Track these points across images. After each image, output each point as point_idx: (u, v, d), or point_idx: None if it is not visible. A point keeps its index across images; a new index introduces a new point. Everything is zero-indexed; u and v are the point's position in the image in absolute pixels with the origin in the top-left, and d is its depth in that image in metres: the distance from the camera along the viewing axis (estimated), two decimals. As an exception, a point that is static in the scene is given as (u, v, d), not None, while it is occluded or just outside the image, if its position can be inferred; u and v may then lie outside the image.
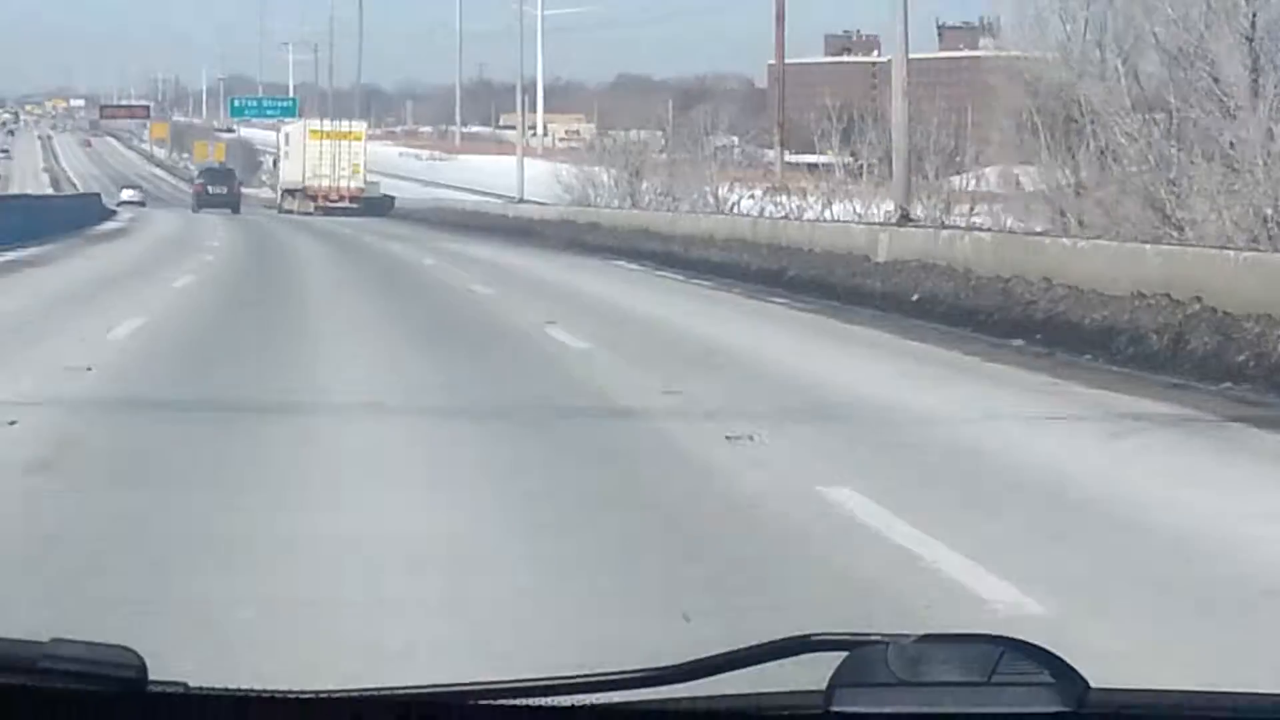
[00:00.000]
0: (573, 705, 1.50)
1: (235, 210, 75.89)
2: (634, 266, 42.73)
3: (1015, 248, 24.79)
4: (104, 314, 23.95)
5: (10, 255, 40.20)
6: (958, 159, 45.18)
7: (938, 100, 41.39)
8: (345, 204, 75.20)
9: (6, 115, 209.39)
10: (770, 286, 33.07)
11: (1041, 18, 38.37)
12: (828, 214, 47.47)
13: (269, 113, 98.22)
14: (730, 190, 59.36)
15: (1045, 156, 35.47)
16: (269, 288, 33.50)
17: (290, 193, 77.23)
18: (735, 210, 54.79)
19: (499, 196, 76.43)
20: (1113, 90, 31.61)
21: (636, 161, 61.62)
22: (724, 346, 21.19)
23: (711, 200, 56.90)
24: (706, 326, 24.58)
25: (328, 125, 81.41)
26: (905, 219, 29.29)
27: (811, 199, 52.95)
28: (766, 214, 49.60)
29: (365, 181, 78.46)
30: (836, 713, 1.39)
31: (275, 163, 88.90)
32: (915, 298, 25.56)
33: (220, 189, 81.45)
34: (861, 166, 55.53)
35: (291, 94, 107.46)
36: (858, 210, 46.60)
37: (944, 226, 30.88)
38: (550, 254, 48.38)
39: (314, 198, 74.72)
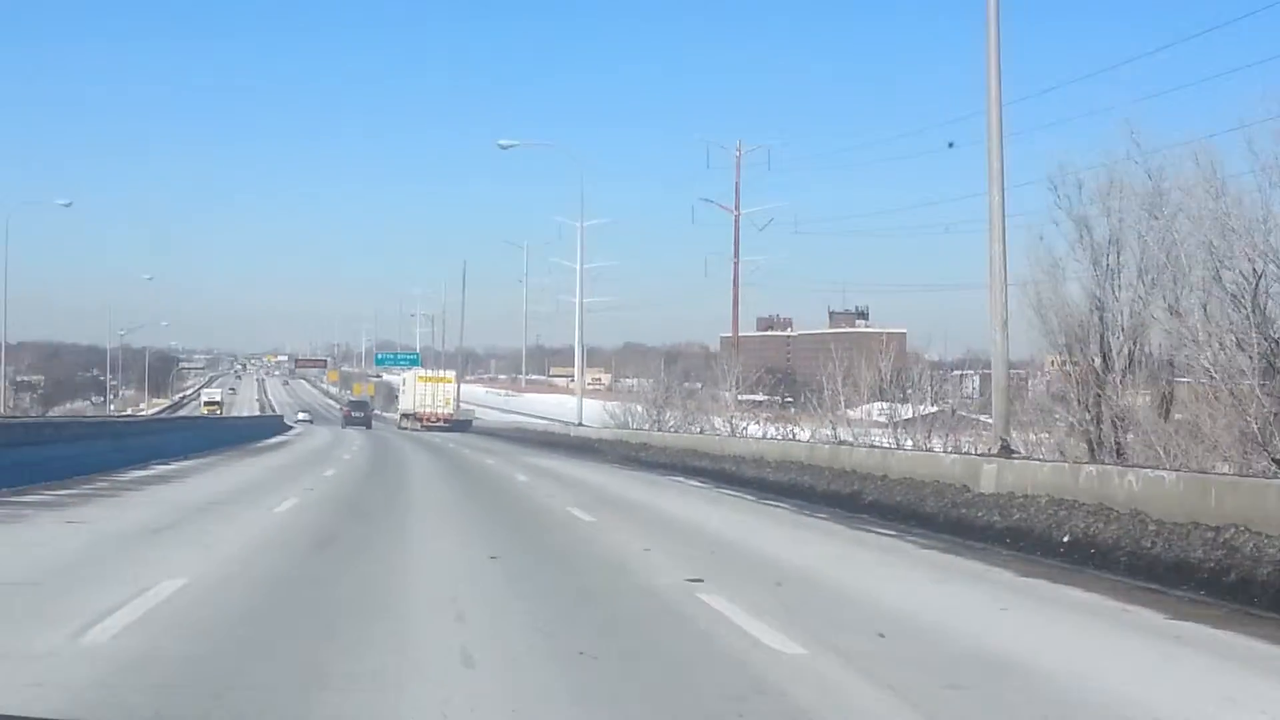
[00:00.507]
0: None
1: (368, 427, 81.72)
2: (694, 483, 31.09)
3: (1224, 489, 13.25)
4: (277, 492, 22.18)
5: (213, 456, 38.37)
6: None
7: (828, 359, 40.44)
8: (440, 423, 78.91)
9: (238, 365, 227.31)
10: (851, 513, 20.94)
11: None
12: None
13: (400, 363, 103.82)
14: (739, 419, 53.18)
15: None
16: (386, 474, 32.14)
17: (406, 415, 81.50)
18: (744, 434, 45.03)
19: (558, 420, 74.62)
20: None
21: (662, 398, 59.63)
22: (908, 612, 9.49)
23: (726, 427, 50.02)
24: (848, 574, 12.56)
25: (429, 373, 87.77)
26: (1006, 449, 19.35)
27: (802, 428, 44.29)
28: (797, 437, 38.95)
29: (455, 408, 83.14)
30: None
31: (397, 396, 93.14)
32: (1065, 539, 14.72)
33: (359, 413, 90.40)
34: (790, 403, 57.96)
35: (417, 350, 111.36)
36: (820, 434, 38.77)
37: (1079, 461, 19.05)
38: (613, 468, 38.49)
39: (420, 419, 78.81)
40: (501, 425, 78.21)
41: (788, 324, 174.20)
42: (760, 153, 68.09)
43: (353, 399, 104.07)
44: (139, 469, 29.12)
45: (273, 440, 58.55)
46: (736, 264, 66.12)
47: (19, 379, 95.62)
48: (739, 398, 58.10)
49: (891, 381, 42.05)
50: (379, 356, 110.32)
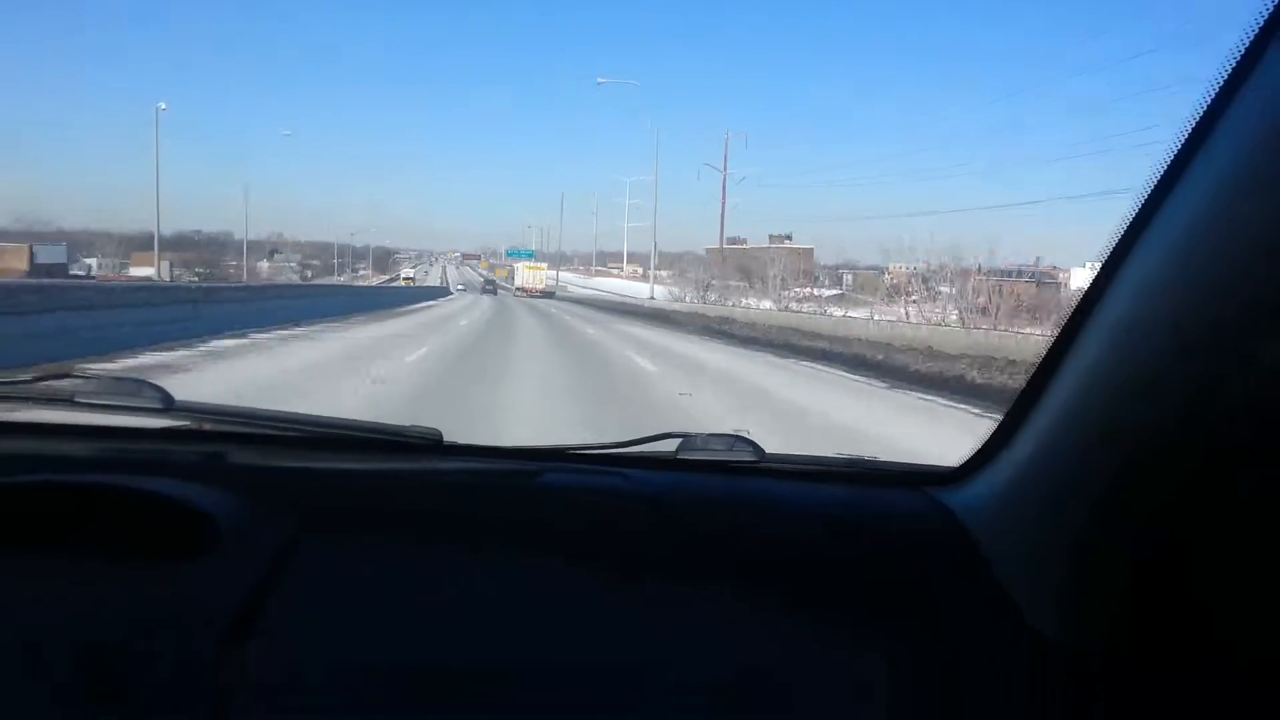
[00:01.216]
0: (545, 449, 1.31)
1: (495, 294, 76.86)
2: (856, 375, 13.70)
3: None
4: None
5: (403, 309, 34.56)
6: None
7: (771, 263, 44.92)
8: (538, 294, 73.48)
9: (432, 257, 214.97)
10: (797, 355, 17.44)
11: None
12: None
13: (523, 256, 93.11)
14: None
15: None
16: (501, 320, 27.80)
17: (519, 288, 76.48)
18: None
19: (627, 295, 63.08)
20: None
21: (705, 281, 55.97)
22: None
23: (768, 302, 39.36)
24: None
25: (532, 263, 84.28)
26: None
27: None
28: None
29: (546, 285, 78.52)
30: (681, 459, 1.26)
31: (513, 277, 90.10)
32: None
33: (490, 287, 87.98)
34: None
35: (533, 249, 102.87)
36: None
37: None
38: (700, 339, 22.05)
39: (526, 290, 74.00)
40: (584, 297, 67.63)
41: (745, 241, 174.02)
42: (740, 136, 69.55)
43: (487, 278, 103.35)
44: (377, 310, 29.82)
45: (443, 299, 56.06)
46: (723, 205, 70.51)
47: (304, 262, 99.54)
48: (728, 283, 57.77)
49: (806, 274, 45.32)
50: (509, 251, 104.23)
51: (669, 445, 1.28)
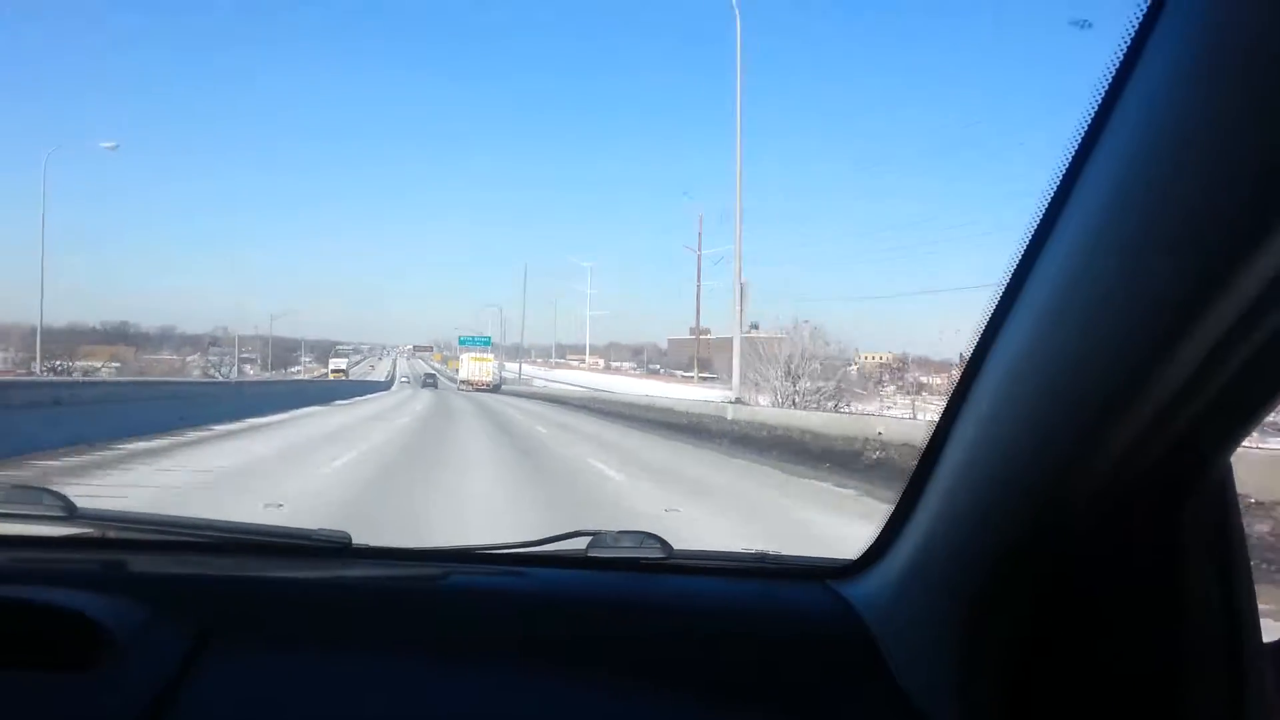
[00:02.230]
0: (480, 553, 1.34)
1: (436, 387, 73.96)
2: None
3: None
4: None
5: (344, 402, 35.56)
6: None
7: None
8: (484, 386, 70.85)
9: (382, 349, 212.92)
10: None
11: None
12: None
13: (477, 343, 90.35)
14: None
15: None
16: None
17: (463, 381, 73.88)
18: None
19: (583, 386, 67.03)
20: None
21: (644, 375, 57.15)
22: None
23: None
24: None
25: (478, 354, 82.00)
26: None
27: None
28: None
29: (493, 377, 75.06)
30: (590, 557, 1.29)
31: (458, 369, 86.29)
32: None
33: (430, 380, 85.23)
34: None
35: (490, 335, 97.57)
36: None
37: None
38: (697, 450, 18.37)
39: (470, 384, 71.46)
40: (544, 392, 62.60)
41: (709, 332, 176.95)
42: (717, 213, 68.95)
43: (428, 371, 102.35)
44: (314, 404, 30.93)
45: (376, 394, 52.51)
46: (699, 289, 66.49)
47: (246, 357, 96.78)
48: (680, 374, 59.71)
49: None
50: (461, 339, 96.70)
51: (579, 544, 1.32)
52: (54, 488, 1.31)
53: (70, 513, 1.24)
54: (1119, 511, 0.77)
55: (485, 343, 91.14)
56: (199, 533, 1.32)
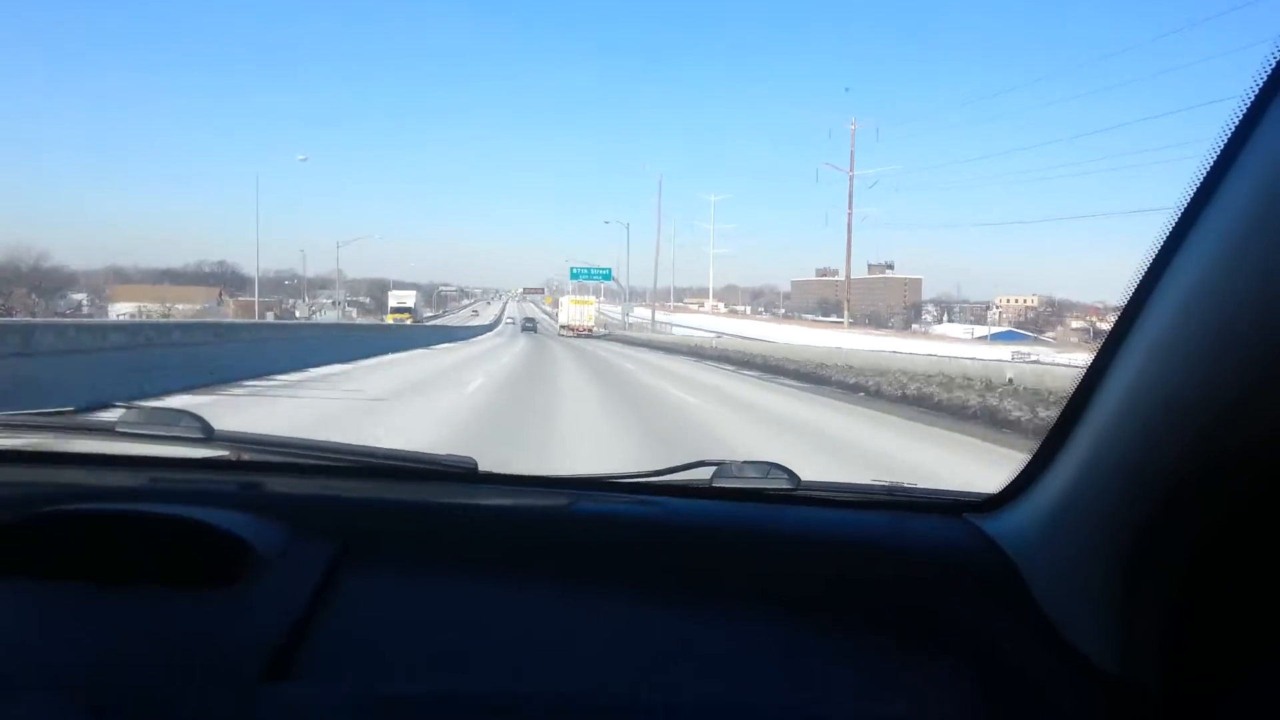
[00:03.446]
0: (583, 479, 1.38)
1: (536, 332, 72.07)
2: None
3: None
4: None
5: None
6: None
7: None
8: (585, 332, 67.66)
9: (495, 293, 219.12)
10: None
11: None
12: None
13: (594, 277, 78.70)
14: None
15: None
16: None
17: (563, 326, 70.78)
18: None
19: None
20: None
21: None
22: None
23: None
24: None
25: (578, 297, 78.20)
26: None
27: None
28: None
29: (594, 323, 71.46)
30: (715, 487, 1.31)
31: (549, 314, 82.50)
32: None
33: (530, 325, 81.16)
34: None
35: (608, 266, 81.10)
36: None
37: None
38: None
39: (571, 329, 68.29)
40: (684, 341, 52.10)
41: (836, 272, 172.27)
42: (869, 128, 61.26)
43: (526, 316, 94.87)
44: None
45: (474, 339, 53.91)
46: (850, 215, 53.67)
47: (354, 300, 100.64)
48: (807, 316, 56.41)
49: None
50: (573, 271, 78.47)
51: (704, 473, 1.35)
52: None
53: (208, 434, 1.31)
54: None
55: (604, 276, 77.38)
56: (331, 456, 1.38)
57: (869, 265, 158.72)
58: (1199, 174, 0.80)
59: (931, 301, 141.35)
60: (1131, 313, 0.89)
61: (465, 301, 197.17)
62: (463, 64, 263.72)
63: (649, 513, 1.27)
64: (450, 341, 42.73)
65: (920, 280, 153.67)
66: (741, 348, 33.26)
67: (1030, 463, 1.12)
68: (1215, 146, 0.79)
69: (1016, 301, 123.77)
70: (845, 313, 63.15)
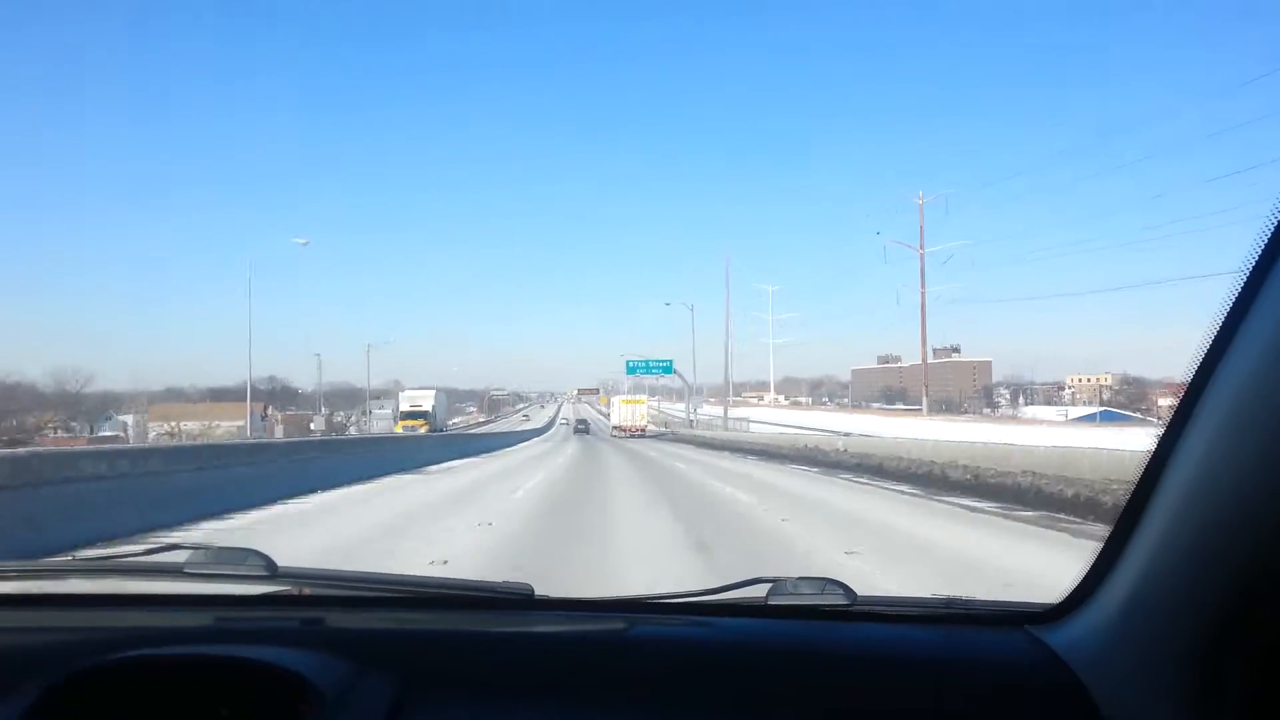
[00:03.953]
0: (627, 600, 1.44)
1: (588, 433, 74.10)
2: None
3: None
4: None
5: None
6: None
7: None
8: (638, 432, 67.14)
9: (550, 397, 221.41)
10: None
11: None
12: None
13: (653, 370, 72.66)
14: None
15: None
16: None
17: (616, 427, 70.08)
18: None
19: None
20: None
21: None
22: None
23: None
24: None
25: (630, 396, 77.87)
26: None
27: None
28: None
29: (647, 422, 70.73)
30: (770, 605, 1.34)
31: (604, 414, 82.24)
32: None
33: (582, 427, 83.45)
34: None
35: (669, 359, 75.13)
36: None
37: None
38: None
39: (624, 429, 68.00)
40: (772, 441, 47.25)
41: (898, 359, 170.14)
42: (939, 201, 56.46)
43: (579, 418, 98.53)
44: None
45: (533, 440, 58.47)
46: (923, 294, 52.52)
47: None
48: (875, 405, 55.12)
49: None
50: (630, 365, 72.30)
51: (759, 591, 1.36)
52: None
53: (272, 571, 1.37)
54: None
55: (665, 369, 71.56)
56: (391, 588, 1.44)
57: (934, 349, 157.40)
58: (1265, 232, 0.77)
59: (1001, 384, 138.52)
60: (1195, 391, 0.87)
61: (520, 405, 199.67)
62: (513, 164, 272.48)
63: (704, 635, 1.29)
64: (486, 453, 36.97)
65: (990, 362, 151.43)
66: (878, 449, 23.32)
67: (1093, 566, 1.10)
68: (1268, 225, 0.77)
69: (1090, 381, 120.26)
70: (924, 399, 60.32)
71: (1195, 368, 0.87)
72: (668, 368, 71.97)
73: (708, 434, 52.52)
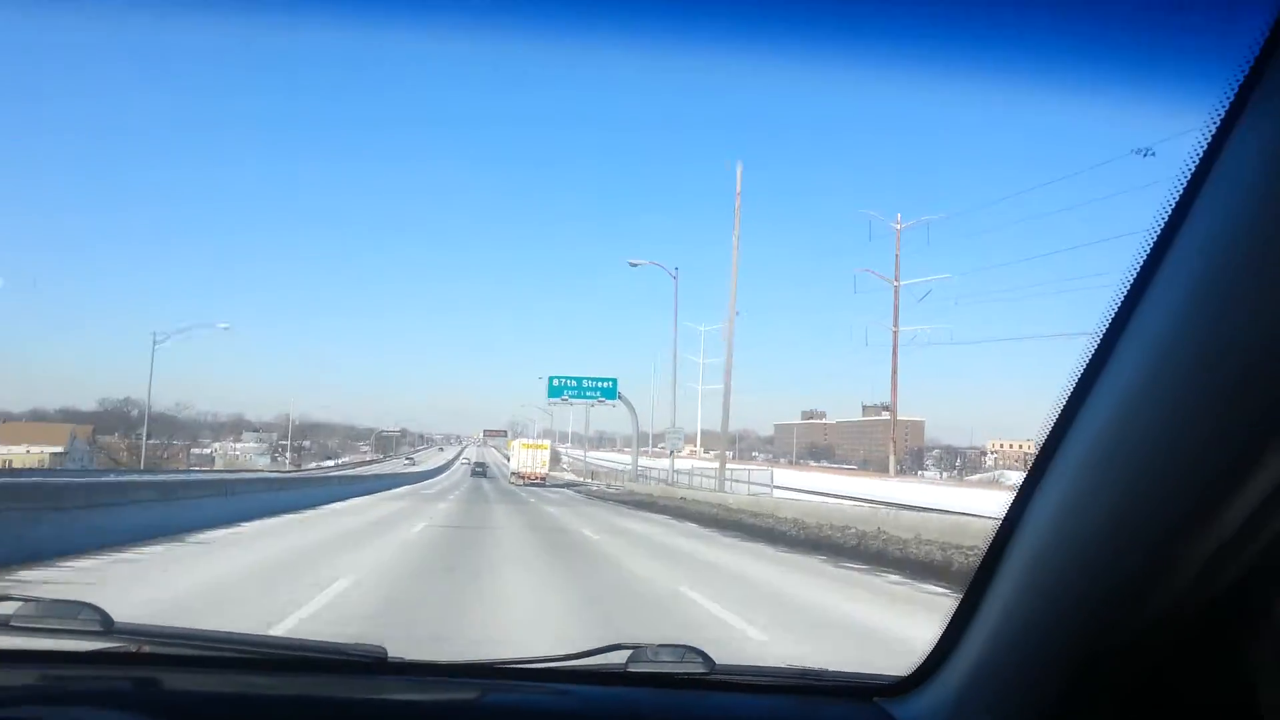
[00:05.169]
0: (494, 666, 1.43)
1: (486, 477, 72.90)
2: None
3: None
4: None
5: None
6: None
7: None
8: (537, 481, 62.47)
9: (454, 438, 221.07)
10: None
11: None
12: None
13: (585, 393, 58.08)
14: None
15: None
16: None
17: (515, 474, 66.44)
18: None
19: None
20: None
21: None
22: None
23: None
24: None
25: (530, 441, 74.09)
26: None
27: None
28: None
29: (547, 469, 66.55)
30: (630, 672, 1.35)
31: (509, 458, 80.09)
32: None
33: (480, 470, 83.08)
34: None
35: (612, 378, 62.95)
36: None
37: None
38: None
39: (522, 476, 64.04)
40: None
41: (823, 415, 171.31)
42: (920, 225, 52.49)
43: (477, 461, 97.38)
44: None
45: (433, 479, 61.29)
46: (895, 335, 51.21)
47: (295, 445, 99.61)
48: (814, 462, 53.94)
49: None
50: (553, 387, 56.96)
51: (619, 657, 1.40)
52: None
53: (106, 627, 1.34)
54: (1198, 630, 0.79)
55: (607, 393, 56.89)
56: (234, 648, 1.41)
57: (864, 406, 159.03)
58: (1114, 301, 0.83)
59: (932, 446, 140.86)
60: (1044, 459, 0.90)
61: (422, 446, 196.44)
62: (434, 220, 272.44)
63: (561, 704, 1.32)
64: (323, 505, 27.73)
65: (923, 422, 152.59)
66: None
67: (942, 636, 1.15)
68: (1109, 309, 0.83)
69: (1014, 447, 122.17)
70: (891, 458, 55.39)
71: (1045, 435, 0.91)
72: (609, 390, 56.80)
73: (685, 496, 34.95)
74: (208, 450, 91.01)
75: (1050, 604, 0.88)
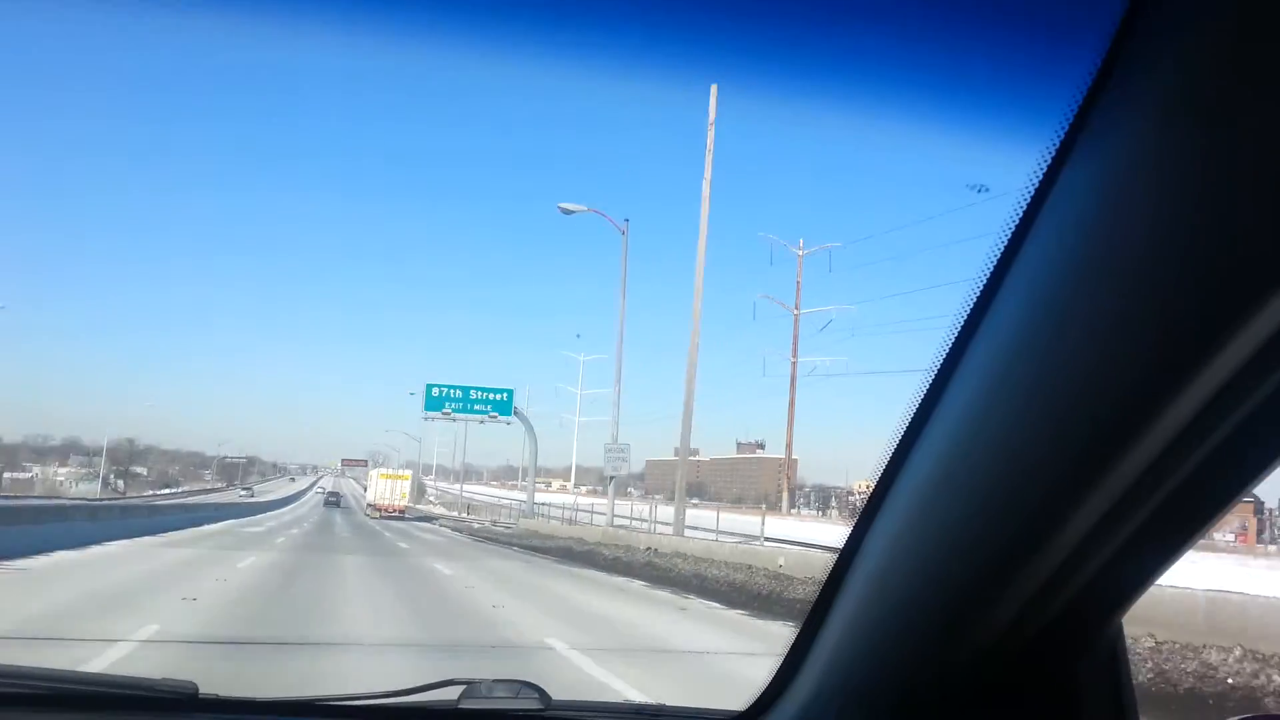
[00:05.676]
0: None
1: (340, 507, 72.18)
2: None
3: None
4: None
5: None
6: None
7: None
8: (395, 514, 60.59)
9: (311, 468, 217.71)
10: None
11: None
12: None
13: (472, 408, 49.15)
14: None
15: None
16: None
17: (370, 505, 64.44)
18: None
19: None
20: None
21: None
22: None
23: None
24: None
25: (390, 470, 70.80)
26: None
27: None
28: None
29: (409, 501, 65.24)
30: (461, 709, 1.34)
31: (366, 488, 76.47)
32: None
33: (334, 500, 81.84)
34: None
35: (508, 389, 55.16)
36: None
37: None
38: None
39: (378, 509, 62.05)
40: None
41: (697, 453, 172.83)
42: (822, 254, 49.55)
43: (332, 490, 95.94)
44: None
45: (285, 508, 61.05)
46: (794, 369, 50.19)
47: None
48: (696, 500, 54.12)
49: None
50: (432, 396, 48.19)
51: (451, 693, 1.39)
52: None
53: None
54: (1019, 662, 0.84)
55: (500, 407, 49.02)
56: (36, 684, 1.35)
57: (739, 443, 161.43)
58: (944, 346, 0.87)
59: (805, 485, 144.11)
60: (880, 490, 0.95)
61: (272, 476, 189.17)
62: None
63: None
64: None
65: (798, 460, 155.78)
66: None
67: (781, 666, 1.16)
68: (940, 350, 0.87)
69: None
70: (784, 497, 53.60)
71: (883, 465, 0.94)
72: (503, 405, 48.28)
73: (630, 545, 25.39)
74: (28, 475, 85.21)
75: (883, 629, 0.91)
